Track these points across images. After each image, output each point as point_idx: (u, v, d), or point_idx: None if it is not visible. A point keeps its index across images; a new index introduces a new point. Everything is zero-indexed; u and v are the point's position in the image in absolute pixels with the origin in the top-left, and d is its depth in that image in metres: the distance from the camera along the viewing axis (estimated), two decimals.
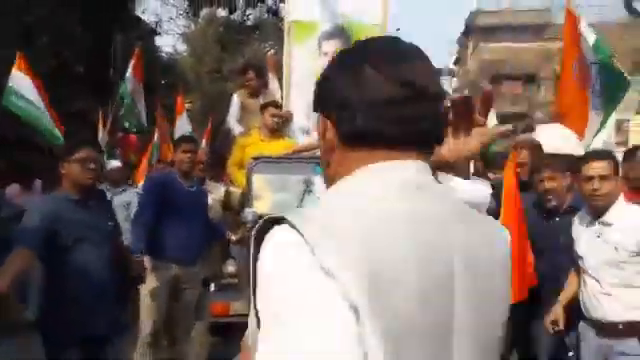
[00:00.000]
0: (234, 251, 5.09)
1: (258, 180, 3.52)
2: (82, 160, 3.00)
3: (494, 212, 4.06)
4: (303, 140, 4.58)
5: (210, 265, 4.70)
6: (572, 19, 4.46)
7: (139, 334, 3.97)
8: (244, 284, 4.39)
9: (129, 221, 4.48)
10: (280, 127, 4.69)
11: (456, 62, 32.36)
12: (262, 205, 3.39)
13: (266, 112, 4.66)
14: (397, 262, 0.73)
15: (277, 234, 0.74)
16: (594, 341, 2.86)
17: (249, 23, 20.51)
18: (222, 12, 20.00)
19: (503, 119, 11.16)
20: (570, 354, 3.15)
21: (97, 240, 3.04)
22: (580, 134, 4.44)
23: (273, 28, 18.18)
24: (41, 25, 11.12)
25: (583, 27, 4.39)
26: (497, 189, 3.84)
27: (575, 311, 2.98)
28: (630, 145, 5.79)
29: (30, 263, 2.88)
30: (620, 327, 2.73)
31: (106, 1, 13.22)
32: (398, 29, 11.27)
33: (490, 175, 4.63)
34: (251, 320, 0.83)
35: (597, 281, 2.81)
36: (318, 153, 0.95)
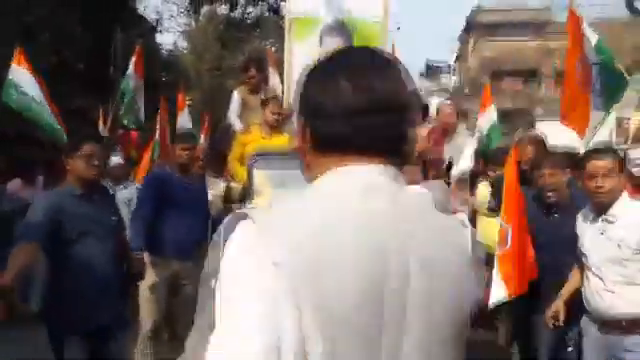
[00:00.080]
0: None
1: (259, 176, 3.53)
2: (87, 156, 3.04)
3: (494, 209, 4.08)
4: None
5: None
6: (575, 19, 4.46)
7: (139, 330, 3.95)
8: None
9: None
10: (280, 124, 4.69)
11: (457, 59, 32.32)
12: (263, 200, 3.41)
13: (267, 108, 4.66)
14: (338, 262, 0.80)
15: (238, 229, 0.83)
16: (596, 336, 2.86)
17: (249, 21, 20.53)
18: (223, 9, 20.03)
19: (504, 115, 11.15)
20: (569, 349, 3.17)
21: (101, 234, 3.05)
22: (581, 133, 4.46)
23: (274, 26, 18.19)
24: (41, 25, 11.10)
25: (585, 27, 4.40)
26: (498, 186, 3.86)
27: (576, 306, 2.98)
28: (630, 142, 5.80)
29: (34, 257, 2.89)
30: (623, 323, 2.72)
31: (106, 1, 13.18)
32: (399, 28, 11.27)
33: (490, 173, 4.64)
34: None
35: (600, 278, 2.79)
36: None
